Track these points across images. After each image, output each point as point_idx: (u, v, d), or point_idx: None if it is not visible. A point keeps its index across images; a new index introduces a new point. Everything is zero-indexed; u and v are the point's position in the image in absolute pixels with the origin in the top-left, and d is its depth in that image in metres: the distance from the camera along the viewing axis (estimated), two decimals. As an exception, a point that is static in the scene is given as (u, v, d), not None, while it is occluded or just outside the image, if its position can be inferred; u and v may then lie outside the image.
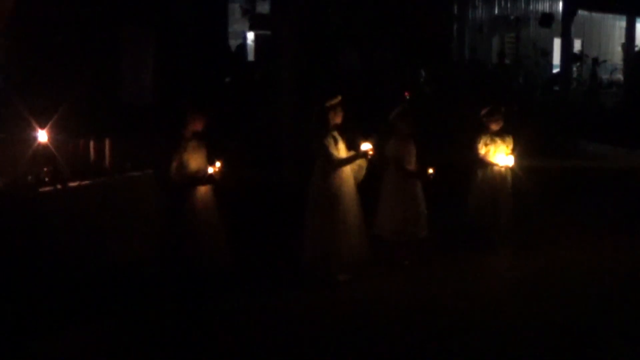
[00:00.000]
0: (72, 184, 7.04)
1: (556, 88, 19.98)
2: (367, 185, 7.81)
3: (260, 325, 6.55)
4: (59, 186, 6.90)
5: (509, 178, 8.79)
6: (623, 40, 23.70)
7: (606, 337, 6.30)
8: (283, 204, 9.77)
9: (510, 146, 8.73)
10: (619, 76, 23.02)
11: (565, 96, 18.40)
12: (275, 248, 8.54)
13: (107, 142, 7.53)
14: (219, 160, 7.23)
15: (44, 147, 7.13)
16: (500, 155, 8.67)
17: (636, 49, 21.53)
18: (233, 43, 19.85)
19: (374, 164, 7.65)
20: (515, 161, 8.68)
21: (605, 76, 23.02)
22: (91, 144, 7.45)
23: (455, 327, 6.52)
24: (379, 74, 14.39)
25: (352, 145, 7.54)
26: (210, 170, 7.17)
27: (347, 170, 7.51)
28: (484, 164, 8.73)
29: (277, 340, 6.23)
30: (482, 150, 8.71)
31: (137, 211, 7.58)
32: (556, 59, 24.63)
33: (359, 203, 7.60)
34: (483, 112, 8.74)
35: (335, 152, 7.38)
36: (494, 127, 8.70)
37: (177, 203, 7.16)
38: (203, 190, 7.27)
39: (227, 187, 7.40)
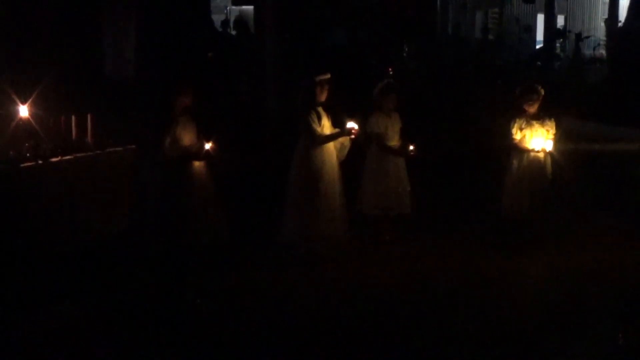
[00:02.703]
0: (53, 160, 6.99)
1: (538, 63, 20.00)
2: (351, 162, 7.78)
3: (243, 301, 6.55)
4: (40, 162, 6.84)
5: (549, 166, 8.07)
6: (606, 15, 23.73)
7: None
8: (266, 181, 9.75)
9: (552, 131, 8.00)
10: (602, 52, 23.08)
11: (549, 72, 18.42)
12: (259, 226, 8.51)
13: (89, 117, 7.47)
14: (211, 136, 7.18)
15: (25, 122, 7.06)
16: (537, 139, 7.95)
17: (619, 24, 21.53)
18: (216, 18, 19.70)
19: (359, 142, 7.62)
20: (555, 147, 7.97)
21: (588, 52, 23.09)
22: (73, 119, 7.39)
23: (439, 303, 6.54)
24: (363, 50, 14.34)
25: (338, 122, 7.51)
26: (207, 146, 7.12)
27: (331, 148, 7.48)
28: (519, 150, 8.04)
29: (258, 317, 6.23)
30: (516, 135, 8.00)
31: (119, 186, 7.54)
32: (539, 35, 24.70)
33: (340, 180, 7.57)
34: (517, 92, 8.09)
35: (318, 129, 7.35)
36: (530, 109, 7.96)
37: (171, 178, 7.10)
38: (198, 165, 7.21)
39: (219, 164, 7.37)
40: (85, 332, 5.92)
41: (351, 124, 7.36)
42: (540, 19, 24.29)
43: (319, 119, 7.40)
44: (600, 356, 5.61)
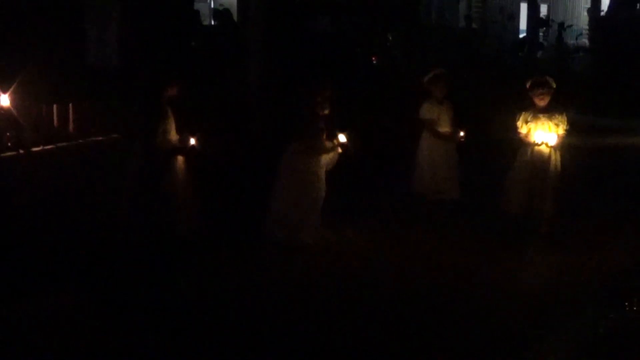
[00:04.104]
0: (35, 149, 6.91)
1: (520, 54, 20.01)
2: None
3: (226, 291, 6.47)
4: (21, 151, 6.77)
5: (556, 162, 7.73)
6: (589, 5, 23.80)
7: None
8: (250, 174, 9.70)
9: (562, 125, 7.65)
10: (585, 41, 23.14)
11: (533, 61, 18.45)
12: (243, 216, 8.45)
13: (70, 106, 7.41)
14: (196, 130, 7.14)
15: (6, 111, 6.97)
16: (540, 133, 7.63)
17: (602, 13, 21.59)
18: (201, 6, 19.59)
19: (348, 154, 7.66)
20: (561, 141, 7.65)
21: (571, 41, 23.13)
22: (54, 108, 7.32)
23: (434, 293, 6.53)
24: (349, 38, 14.28)
25: (330, 134, 7.66)
26: (192, 140, 7.06)
27: (325, 158, 7.59)
28: (524, 144, 7.75)
29: (243, 306, 6.18)
30: (522, 128, 7.70)
31: (102, 175, 7.47)
32: (523, 24, 24.74)
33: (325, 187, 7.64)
34: (527, 84, 7.72)
35: (320, 139, 7.49)
36: (539, 102, 7.60)
37: (157, 170, 7.03)
38: (180, 158, 7.17)
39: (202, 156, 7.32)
40: (72, 322, 5.81)
41: (342, 137, 7.48)
42: (524, 7, 24.34)
43: (320, 130, 7.48)
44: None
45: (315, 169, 7.54)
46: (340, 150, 7.52)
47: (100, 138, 7.60)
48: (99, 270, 6.75)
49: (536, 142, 7.61)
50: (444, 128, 8.66)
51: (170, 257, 6.99)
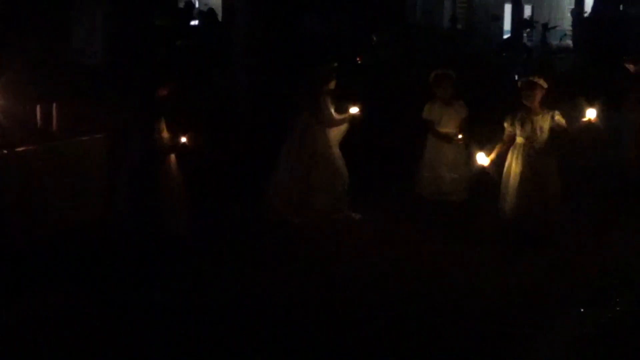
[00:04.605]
0: (19, 149, 6.84)
1: (504, 54, 20.04)
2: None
3: (218, 289, 6.45)
4: (5, 151, 6.70)
5: (549, 166, 7.50)
6: (573, 6, 23.89)
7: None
8: (241, 170, 9.66)
9: (560, 123, 7.35)
10: (569, 42, 23.23)
11: (517, 61, 18.49)
12: (235, 214, 8.41)
13: (54, 105, 7.32)
14: (187, 129, 7.14)
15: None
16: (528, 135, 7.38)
17: (585, 14, 21.68)
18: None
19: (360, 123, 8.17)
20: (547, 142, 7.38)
21: (555, 42, 23.21)
22: (38, 107, 7.24)
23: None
24: (335, 38, 14.25)
25: (341, 107, 8.11)
26: (183, 139, 7.05)
27: (334, 131, 8.07)
28: (514, 146, 7.50)
29: (235, 305, 6.13)
30: (507, 130, 7.52)
31: (87, 175, 7.40)
32: (507, 25, 24.81)
33: (341, 159, 8.14)
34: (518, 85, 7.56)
35: (332, 112, 7.96)
36: (525, 102, 7.38)
37: (156, 168, 7.02)
38: (172, 157, 7.16)
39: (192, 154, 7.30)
40: (58, 321, 5.77)
41: (354, 109, 7.98)
42: (508, 8, 24.41)
43: (329, 104, 7.96)
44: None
45: (325, 143, 7.94)
46: (349, 121, 8.00)
47: (85, 138, 7.50)
48: (89, 269, 6.71)
49: (521, 143, 7.38)
50: (448, 129, 8.62)
51: (163, 256, 6.96)
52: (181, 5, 15.26)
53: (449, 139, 8.57)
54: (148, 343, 5.47)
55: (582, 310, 5.89)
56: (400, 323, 5.84)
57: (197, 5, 24.32)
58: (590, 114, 7.56)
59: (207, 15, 15.02)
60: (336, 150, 8.12)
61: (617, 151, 10.08)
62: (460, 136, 8.51)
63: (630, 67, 9.56)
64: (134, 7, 10.38)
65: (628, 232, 8.04)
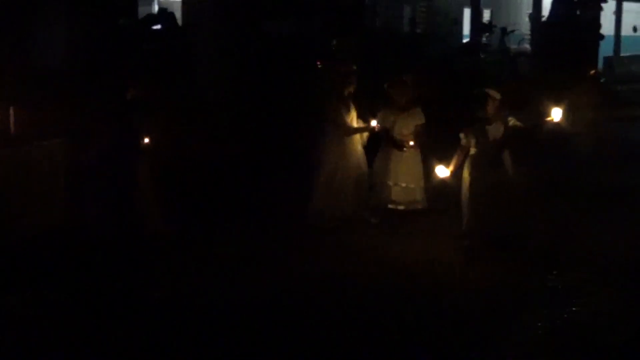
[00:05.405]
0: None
1: (466, 59, 20.18)
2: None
3: (196, 289, 6.51)
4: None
5: (504, 172, 7.46)
6: (531, 10, 24.17)
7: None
8: (206, 171, 9.70)
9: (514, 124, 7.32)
10: (527, 46, 23.49)
11: (477, 65, 18.64)
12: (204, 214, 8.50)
13: (11, 110, 7.25)
14: (148, 130, 7.24)
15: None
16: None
17: (543, 19, 21.95)
18: (147, 10, 19.31)
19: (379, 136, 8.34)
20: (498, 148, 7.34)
21: (513, 46, 23.46)
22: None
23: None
24: (299, 42, 14.26)
25: (361, 115, 8.34)
26: (146, 140, 7.16)
27: (356, 137, 8.27)
28: (470, 157, 7.45)
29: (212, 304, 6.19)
30: (462, 142, 7.46)
31: (46, 180, 7.33)
32: (467, 29, 25.01)
33: (364, 164, 8.37)
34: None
35: (347, 121, 8.12)
36: (478, 114, 7.38)
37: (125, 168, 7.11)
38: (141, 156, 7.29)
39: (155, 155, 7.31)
40: (24, 324, 5.78)
41: (373, 122, 8.24)
42: (467, 12, 24.60)
43: (347, 110, 8.11)
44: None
45: (347, 147, 8.13)
46: (373, 132, 8.23)
47: (45, 142, 7.43)
48: (53, 274, 6.66)
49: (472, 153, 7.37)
50: (402, 135, 8.24)
51: (138, 256, 6.98)
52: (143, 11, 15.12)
53: (400, 145, 8.23)
54: (128, 341, 5.48)
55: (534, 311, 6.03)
56: (387, 323, 5.94)
57: (156, 8, 24.15)
58: (555, 114, 7.60)
59: (167, 18, 14.88)
60: (359, 151, 8.29)
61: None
62: (411, 143, 8.19)
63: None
64: (97, 9, 10.28)
65: (595, 231, 8.20)
